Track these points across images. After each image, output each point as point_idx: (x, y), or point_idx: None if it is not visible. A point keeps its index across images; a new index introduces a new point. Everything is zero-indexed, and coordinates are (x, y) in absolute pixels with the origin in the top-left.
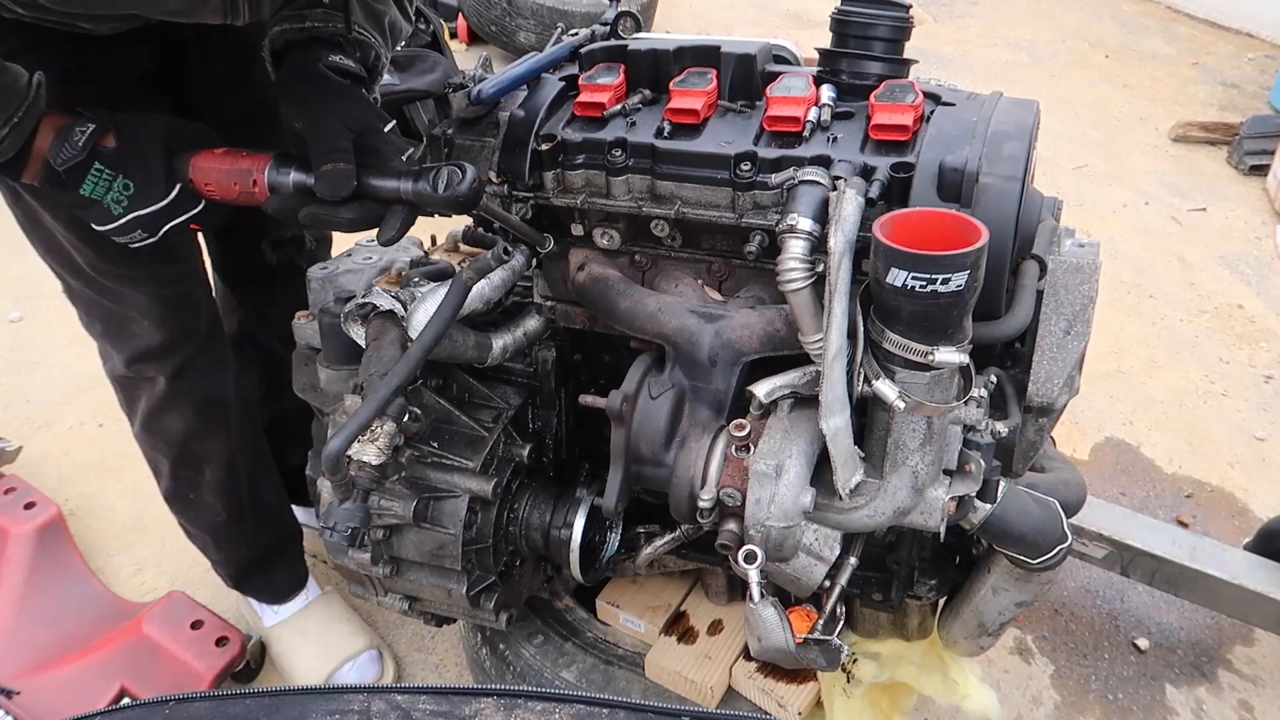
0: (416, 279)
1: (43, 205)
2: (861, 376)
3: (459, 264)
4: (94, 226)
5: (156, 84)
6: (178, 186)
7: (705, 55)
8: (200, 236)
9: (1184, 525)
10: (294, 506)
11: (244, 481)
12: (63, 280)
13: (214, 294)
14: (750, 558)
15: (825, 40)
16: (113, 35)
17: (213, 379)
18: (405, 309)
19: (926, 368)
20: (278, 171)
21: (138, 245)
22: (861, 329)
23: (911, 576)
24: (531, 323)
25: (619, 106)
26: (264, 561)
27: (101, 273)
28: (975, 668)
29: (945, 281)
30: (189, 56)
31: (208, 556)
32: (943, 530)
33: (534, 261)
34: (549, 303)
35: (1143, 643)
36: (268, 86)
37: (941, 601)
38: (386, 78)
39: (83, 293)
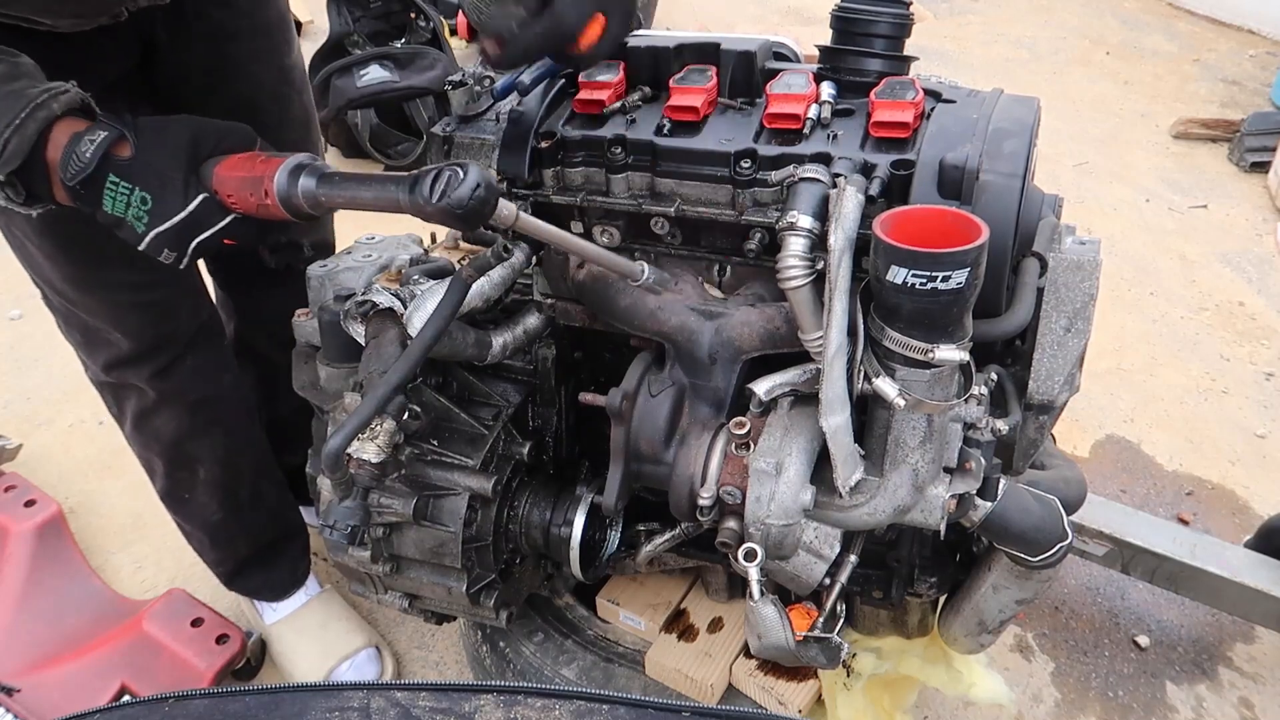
0: (416, 277)
1: (14, 214)
2: (862, 374)
3: (459, 262)
4: (137, 248)
5: (133, 87)
6: (199, 198)
7: (705, 52)
8: None
9: (1185, 523)
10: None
11: (244, 480)
12: (41, 290)
13: (212, 298)
14: (750, 555)
15: (826, 37)
16: (82, 34)
17: (204, 379)
18: (405, 307)
19: (927, 365)
20: (289, 181)
21: (172, 265)
22: (861, 327)
23: (912, 574)
24: (531, 320)
25: (619, 104)
26: (264, 558)
27: (74, 283)
28: (980, 656)
29: (946, 279)
30: (164, 56)
31: (203, 556)
32: (943, 528)
33: (534, 259)
34: (549, 300)
35: (1143, 640)
36: (247, 82)
37: (942, 599)
38: (385, 74)
39: (58, 303)
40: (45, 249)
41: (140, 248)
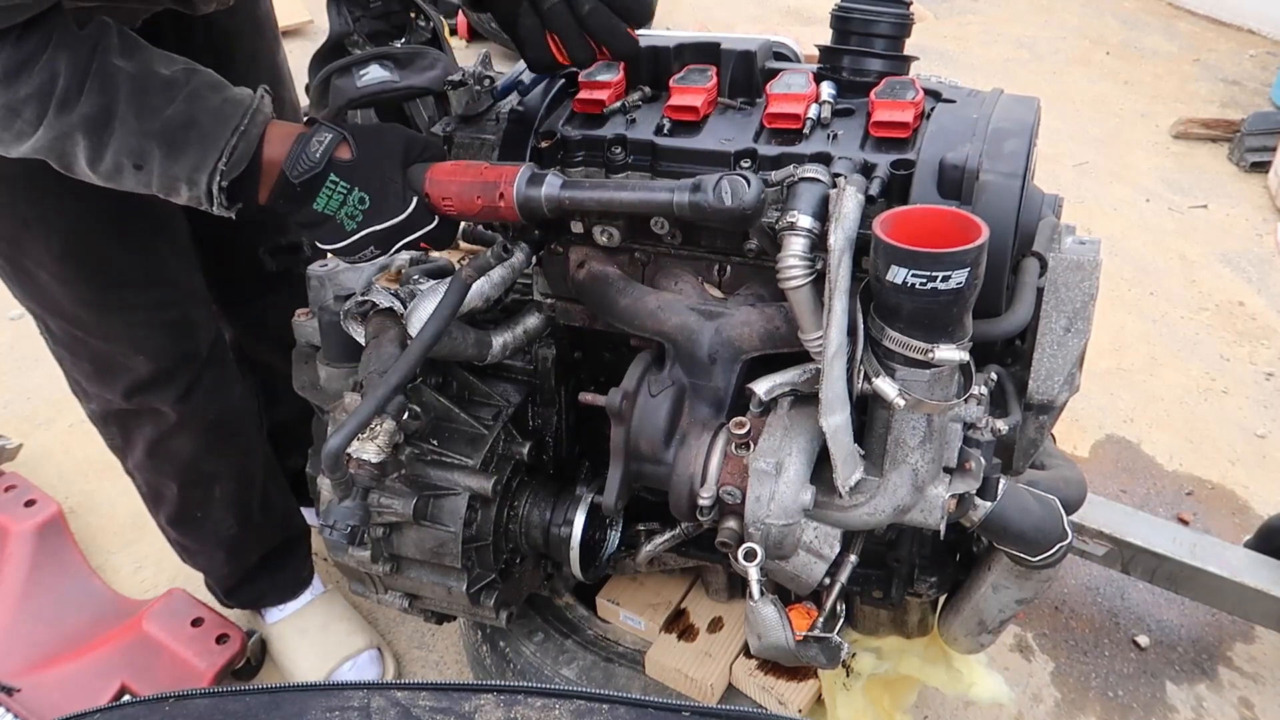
0: (416, 277)
1: (27, 241)
2: (861, 374)
3: (458, 261)
4: (320, 245)
5: None
6: (415, 201)
7: (705, 52)
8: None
9: (1185, 523)
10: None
11: (255, 490)
12: (43, 324)
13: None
14: (750, 555)
15: (826, 37)
16: None
17: (220, 396)
18: (405, 307)
19: (927, 365)
20: (529, 185)
21: (365, 262)
22: (861, 326)
23: (912, 574)
24: (531, 320)
25: (619, 104)
26: (271, 564)
27: (92, 306)
28: (980, 656)
29: (945, 279)
30: None
31: (211, 573)
32: (943, 528)
33: (534, 259)
34: (549, 300)
35: (1143, 640)
36: (246, 83)
37: (942, 599)
38: (385, 74)
39: (67, 334)
40: (63, 274)
41: (340, 245)
